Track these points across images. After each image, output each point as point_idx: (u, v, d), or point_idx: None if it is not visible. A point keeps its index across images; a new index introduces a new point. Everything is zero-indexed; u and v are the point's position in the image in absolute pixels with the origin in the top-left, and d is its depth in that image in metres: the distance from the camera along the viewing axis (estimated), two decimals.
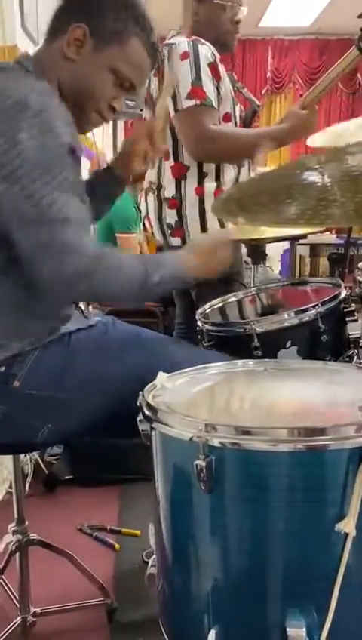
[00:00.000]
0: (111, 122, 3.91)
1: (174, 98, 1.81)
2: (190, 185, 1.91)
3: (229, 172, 1.94)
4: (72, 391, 1.16)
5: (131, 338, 1.26)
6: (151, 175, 2.02)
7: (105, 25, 1.15)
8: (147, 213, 2.07)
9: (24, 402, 1.14)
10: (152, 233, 2.09)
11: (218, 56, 1.87)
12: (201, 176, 1.91)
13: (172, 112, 1.84)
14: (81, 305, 1.35)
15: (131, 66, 1.18)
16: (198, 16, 1.95)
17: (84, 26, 1.14)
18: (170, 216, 1.95)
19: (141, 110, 2.14)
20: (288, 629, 0.77)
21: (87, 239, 1.10)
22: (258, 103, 2.20)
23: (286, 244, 5.64)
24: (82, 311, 1.36)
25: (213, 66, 1.82)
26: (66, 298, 1.21)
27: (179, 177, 1.92)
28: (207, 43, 1.85)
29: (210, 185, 1.92)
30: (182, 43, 1.82)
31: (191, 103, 1.79)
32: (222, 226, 1.93)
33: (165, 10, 2.21)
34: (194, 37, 1.85)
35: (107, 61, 1.16)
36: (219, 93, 1.86)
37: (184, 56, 1.80)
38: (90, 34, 1.14)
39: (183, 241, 1.95)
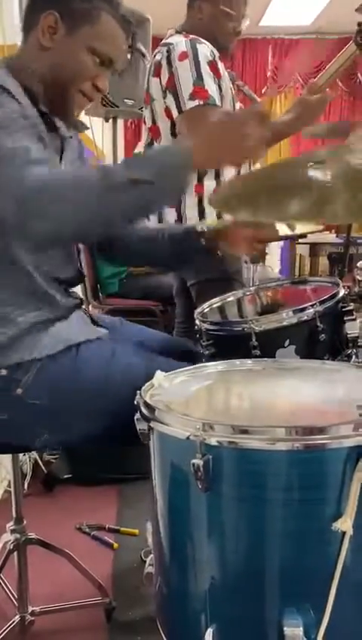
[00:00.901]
0: (111, 122, 3.90)
1: (177, 99, 1.81)
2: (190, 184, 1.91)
3: (229, 170, 1.94)
4: (75, 403, 1.15)
5: (138, 354, 1.25)
6: None
7: (73, 7, 1.15)
8: None
9: (25, 410, 1.13)
10: None
11: (217, 54, 1.86)
12: (201, 175, 1.91)
13: (175, 114, 1.83)
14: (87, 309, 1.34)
15: (106, 42, 1.18)
16: (202, 14, 1.94)
17: (54, 12, 1.14)
18: (170, 216, 1.95)
19: (140, 109, 2.13)
20: (285, 628, 0.78)
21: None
22: (259, 100, 2.20)
23: (285, 243, 5.64)
24: (90, 316, 1.36)
25: (212, 64, 1.82)
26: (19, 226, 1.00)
27: None
28: (206, 42, 1.84)
29: (209, 183, 1.91)
30: (180, 43, 1.82)
31: (195, 103, 1.78)
32: None
33: (165, 10, 2.21)
34: (192, 36, 1.84)
35: (82, 42, 1.16)
36: (220, 91, 1.85)
37: (183, 56, 1.79)
38: (60, 19, 1.15)
39: None
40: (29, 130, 1.09)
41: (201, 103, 1.77)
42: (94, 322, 1.35)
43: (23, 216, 0.97)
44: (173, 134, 1.89)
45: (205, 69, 1.79)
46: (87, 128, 1.33)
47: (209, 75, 1.79)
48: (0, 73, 1.12)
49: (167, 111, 1.86)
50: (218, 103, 1.81)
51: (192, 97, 1.78)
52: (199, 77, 1.78)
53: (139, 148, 2.09)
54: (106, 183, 1.00)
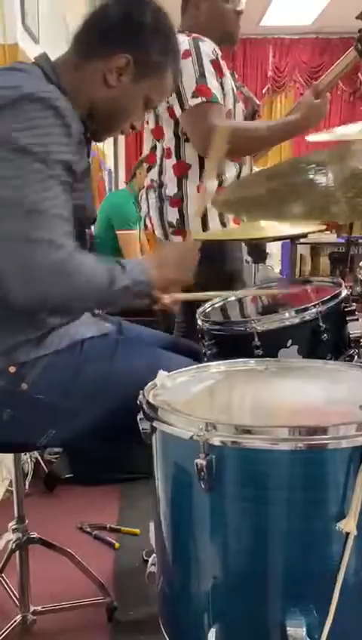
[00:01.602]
0: None
1: (180, 98, 1.81)
2: (192, 183, 1.91)
3: (231, 170, 1.94)
4: (79, 399, 1.16)
5: (143, 351, 1.25)
6: (152, 174, 2.01)
7: (149, 57, 1.17)
8: (148, 211, 2.07)
9: (31, 406, 1.13)
10: (153, 232, 2.09)
11: (220, 52, 1.86)
12: (203, 174, 1.91)
13: (178, 113, 1.83)
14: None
15: (162, 95, 1.25)
16: (200, 11, 1.94)
17: (129, 57, 1.15)
18: (172, 215, 1.95)
19: None
20: (288, 628, 0.77)
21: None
22: (257, 102, 2.20)
23: (286, 243, 5.64)
24: (98, 313, 1.36)
25: (215, 63, 1.82)
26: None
27: (181, 176, 1.92)
28: (208, 40, 1.84)
29: (211, 183, 1.91)
30: (183, 42, 1.81)
31: (198, 100, 1.78)
32: (223, 224, 1.93)
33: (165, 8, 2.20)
34: (194, 35, 1.84)
35: (143, 91, 1.20)
36: (223, 90, 1.85)
37: (186, 54, 1.79)
38: (133, 64, 1.16)
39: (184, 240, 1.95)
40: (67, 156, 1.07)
41: (204, 100, 1.78)
42: (101, 318, 1.35)
43: (25, 292, 1.04)
44: (176, 134, 1.89)
45: (208, 67, 1.79)
46: None
47: (211, 74, 1.80)
48: (52, 90, 1.09)
49: (170, 110, 1.86)
50: (220, 100, 1.81)
51: (195, 95, 1.78)
52: (202, 75, 1.79)
53: (146, 151, 2.08)
54: (110, 290, 1.11)
